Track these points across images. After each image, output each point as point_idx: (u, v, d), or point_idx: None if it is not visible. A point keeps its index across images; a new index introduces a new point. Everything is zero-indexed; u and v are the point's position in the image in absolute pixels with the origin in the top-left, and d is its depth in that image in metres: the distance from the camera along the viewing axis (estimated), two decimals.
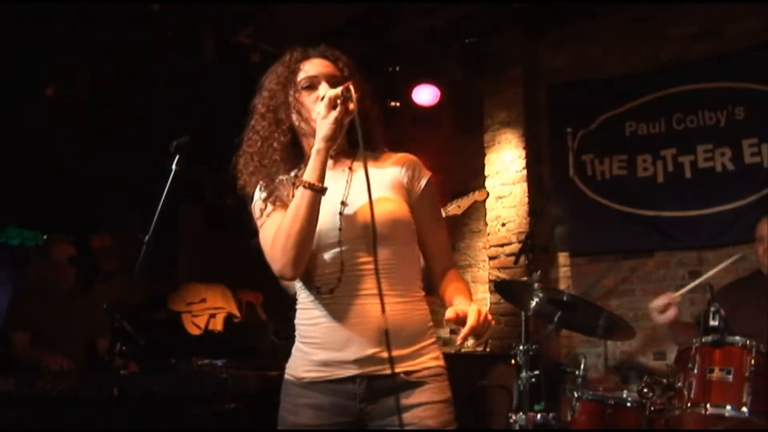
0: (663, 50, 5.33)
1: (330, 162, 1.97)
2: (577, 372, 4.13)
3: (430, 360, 1.91)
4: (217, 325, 6.30)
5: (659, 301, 3.73)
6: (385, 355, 1.81)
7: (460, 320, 1.76)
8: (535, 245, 5.10)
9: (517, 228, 5.59)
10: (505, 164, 5.74)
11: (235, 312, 6.45)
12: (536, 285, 3.97)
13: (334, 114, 1.83)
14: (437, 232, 2.05)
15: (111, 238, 7.30)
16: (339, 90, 1.85)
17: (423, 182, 2.02)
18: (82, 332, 4.51)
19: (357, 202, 1.91)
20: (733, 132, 4.93)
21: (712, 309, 3.33)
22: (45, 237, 5.03)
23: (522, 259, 4.84)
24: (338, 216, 1.90)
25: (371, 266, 1.85)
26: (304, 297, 1.97)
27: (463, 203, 4.33)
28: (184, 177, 2.63)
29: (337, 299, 1.87)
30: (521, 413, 3.89)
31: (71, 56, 5.51)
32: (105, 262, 7.09)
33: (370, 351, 1.84)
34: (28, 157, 6.40)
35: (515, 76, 5.81)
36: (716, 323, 3.30)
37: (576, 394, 3.85)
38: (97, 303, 4.57)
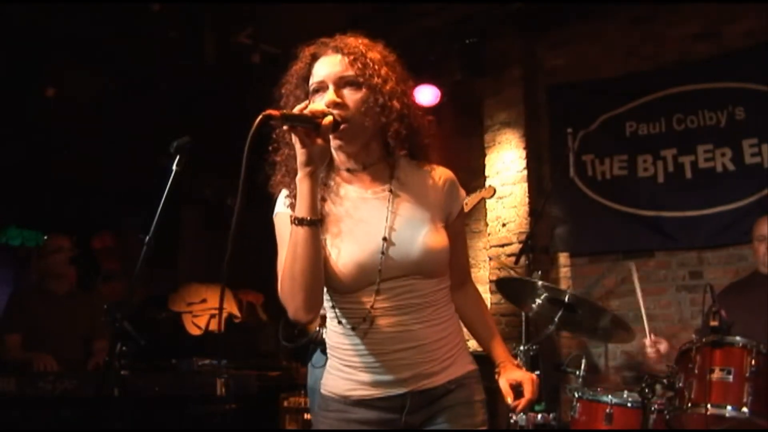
0: (663, 50, 5.32)
1: (367, 176, 1.90)
2: (577, 372, 4.12)
3: (465, 365, 1.92)
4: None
5: (648, 344, 3.77)
6: (433, 369, 1.84)
7: (513, 387, 1.92)
8: (536, 245, 5.10)
9: (517, 228, 5.59)
10: (506, 164, 5.74)
11: (236, 312, 6.46)
12: (540, 283, 3.97)
13: (297, 138, 1.72)
14: (460, 247, 2.03)
15: (112, 239, 7.31)
16: (297, 110, 1.74)
17: (459, 204, 1.97)
18: (82, 332, 4.51)
19: (401, 239, 1.82)
20: (734, 132, 4.92)
21: (713, 310, 3.33)
22: (45, 237, 5.03)
23: (522, 260, 4.84)
24: (380, 256, 1.80)
25: (416, 300, 1.83)
26: (336, 323, 1.89)
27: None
28: (185, 177, 2.63)
29: (378, 330, 1.82)
30: (522, 413, 3.89)
31: (71, 56, 5.51)
32: (106, 262, 7.10)
33: (420, 369, 1.83)
34: (29, 158, 6.41)
35: (515, 77, 5.81)
36: (716, 324, 3.31)
37: (576, 395, 3.85)
38: (97, 303, 4.57)
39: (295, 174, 1.80)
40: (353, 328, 1.83)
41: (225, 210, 7.43)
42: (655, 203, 5.18)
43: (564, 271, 5.61)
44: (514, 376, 1.97)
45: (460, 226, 2.03)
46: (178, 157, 2.66)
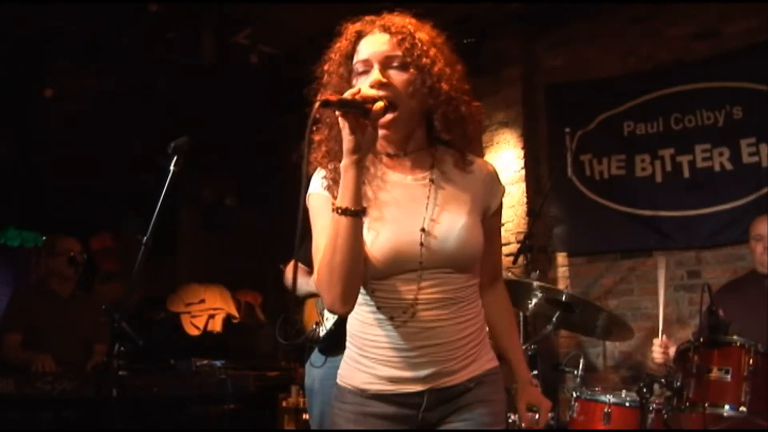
0: (661, 50, 5.32)
1: (408, 162, 1.86)
2: (575, 372, 4.13)
3: (487, 362, 1.89)
4: (216, 325, 6.31)
5: (658, 344, 3.74)
6: (453, 367, 1.81)
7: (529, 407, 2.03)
8: (534, 245, 5.10)
9: (515, 228, 5.59)
10: (504, 164, 5.74)
11: (234, 312, 6.46)
12: (535, 284, 3.98)
13: (347, 124, 1.64)
14: (495, 244, 2.01)
15: (111, 239, 7.31)
16: (348, 94, 1.65)
17: (498, 200, 1.93)
18: (81, 334, 4.50)
19: (441, 230, 1.78)
20: (731, 131, 4.93)
21: (711, 309, 3.34)
22: (44, 238, 5.02)
23: (520, 259, 4.84)
24: (419, 247, 1.76)
25: (446, 295, 1.79)
26: (367, 311, 1.84)
27: None
28: (183, 177, 2.64)
29: (409, 324, 1.78)
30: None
31: (70, 57, 5.52)
32: (105, 262, 7.10)
33: (440, 366, 1.80)
34: (27, 158, 6.41)
35: (514, 77, 5.81)
36: (714, 323, 3.31)
37: (575, 394, 3.85)
38: (99, 306, 4.57)
39: (335, 156, 1.76)
40: (404, 320, 1.77)
41: (223, 210, 7.44)
42: (653, 203, 5.19)
43: (562, 271, 5.62)
44: (532, 400, 2.02)
45: (497, 222, 1.98)
46: (176, 158, 2.67)
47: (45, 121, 5.98)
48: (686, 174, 5.09)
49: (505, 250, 5.61)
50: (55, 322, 4.40)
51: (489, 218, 1.90)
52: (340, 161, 1.71)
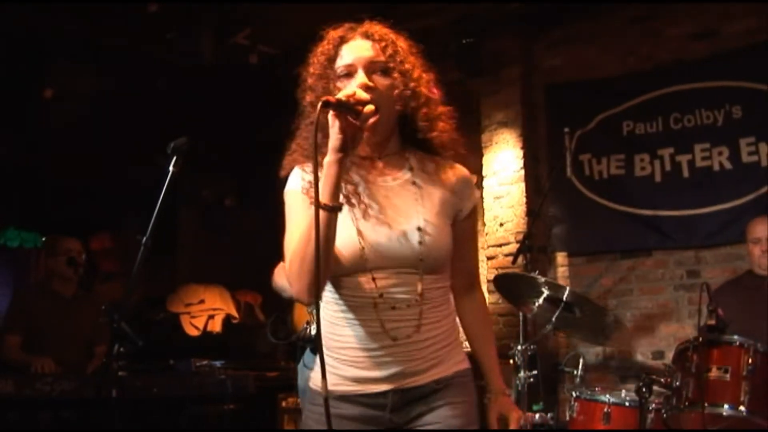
0: (660, 50, 5.33)
1: (381, 164, 1.91)
2: (575, 372, 4.13)
3: (455, 364, 1.90)
4: (216, 326, 6.31)
5: None
6: (418, 367, 1.82)
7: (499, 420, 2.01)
8: (533, 245, 5.10)
9: (515, 228, 5.59)
10: (503, 164, 5.74)
11: (234, 313, 6.47)
12: (541, 279, 3.96)
13: (338, 123, 1.68)
14: (468, 248, 2.04)
15: (110, 239, 7.31)
16: (343, 95, 1.69)
17: (471, 204, 1.97)
18: (82, 335, 4.49)
19: (436, 232, 1.83)
20: (731, 131, 4.93)
21: (710, 308, 3.34)
22: (44, 239, 5.01)
23: (520, 259, 4.85)
24: (417, 246, 1.81)
25: (411, 295, 1.81)
26: (335, 311, 1.87)
27: None
28: (183, 178, 2.64)
29: (375, 322, 1.80)
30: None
31: (70, 57, 5.52)
32: (104, 263, 7.10)
33: (402, 367, 1.81)
34: (28, 158, 6.41)
35: (513, 76, 5.81)
36: (714, 323, 3.32)
37: (574, 394, 3.86)
38: (98, 307, 4.56)
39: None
40: (359, 315, 1.81)
41: (223, 210, 7.45)
42: (652, 202, 5.19)
43: (562, 271, 5.62)
44: (503, 411, 2.01)
45: (470, 226, 2.01)
46: (175, 158, 2.67)
47: (45, 121, 5.97)
48: (686, 173, 5.09)
49: (504, 250, 5.62)
50: (56, 322, 4.39)
51: (461, 221, 1.94)
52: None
